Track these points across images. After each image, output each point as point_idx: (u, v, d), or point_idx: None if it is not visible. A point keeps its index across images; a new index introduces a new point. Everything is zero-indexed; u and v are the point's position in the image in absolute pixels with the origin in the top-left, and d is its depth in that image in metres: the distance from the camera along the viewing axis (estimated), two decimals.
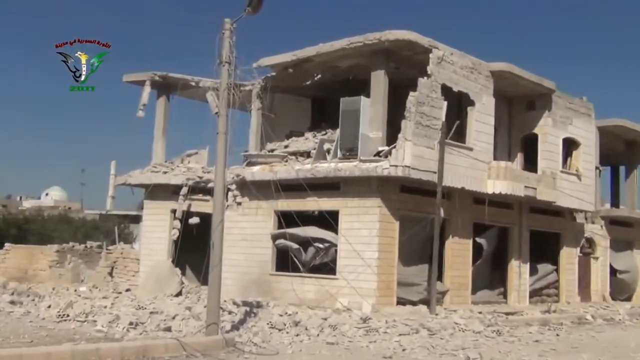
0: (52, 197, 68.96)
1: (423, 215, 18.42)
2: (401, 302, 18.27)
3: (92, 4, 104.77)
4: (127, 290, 22.06)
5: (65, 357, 9.96)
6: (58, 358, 9.89)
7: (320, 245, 18.81)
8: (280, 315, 15.37)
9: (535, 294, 23.58)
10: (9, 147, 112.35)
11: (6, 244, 28.77)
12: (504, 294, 22.51)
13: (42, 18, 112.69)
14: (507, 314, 19.36)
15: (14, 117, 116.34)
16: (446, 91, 18.77)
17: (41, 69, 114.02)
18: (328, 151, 19.36)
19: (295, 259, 19.12)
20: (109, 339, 12.60)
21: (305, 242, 18.95)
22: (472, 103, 19.90)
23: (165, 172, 22.44)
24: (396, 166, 17.30)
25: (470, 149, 19.72)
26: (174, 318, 14.58)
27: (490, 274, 22.34)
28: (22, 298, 17.34)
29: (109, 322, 14.15)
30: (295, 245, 19.12)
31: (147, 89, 22.61)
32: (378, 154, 18.08)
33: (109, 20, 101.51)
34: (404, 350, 12.88)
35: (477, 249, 21.12)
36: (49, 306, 16.45)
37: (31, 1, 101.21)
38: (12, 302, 16.64)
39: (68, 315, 15.16)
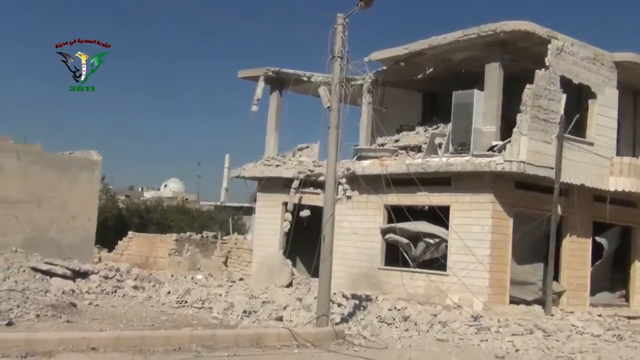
0: (171, 188, 71.96)
1: (539, 212, 17.77)
2: (514, 301, 17.74)
3: (208, 3, 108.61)
4: (241, 279, 22.77)
5: (184, 341, 10.36)
6: (177, 342, 10.29)
7: (431, 241, 18.59)
8: (390, 310, 15.32)
9: None
10: (132, 142, 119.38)
11: (129, 232, 30.55)
12: (626, 297, 21.29)
13: (149, 17, 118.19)
14: (629, 318, 18.34)
15: (138, 117, 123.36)
16: (565, 83, 17.99)
17: (152, 73, 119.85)
18: (439, 145, 19.05)
19: (405, 254, 19.00)
20: (225, 325, 13.08)
21: (415, 237, 18.79)
22: (593, 95, 18.96)
23: (277, 166, 22.98)
24: (511, 161, 16.80)
25: (591, 144, 18.81)
26: (285, 308, 14.91)
27: (611, 276, 21.23)
28: (144, 283, 18.25)
29: (224, 310, 14.70)
30: (405, 240, 18.99)
31: (261, 84, 23.26)
32: (491, 148, 17.61)
33: (225, 18, 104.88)
34: (517, 350, 12.48)
35: (597, 249, 20.12)
36: (169, 292, 17.29)
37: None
38: (135, 287, 17.56)
39: (186, 302, 15.89)
